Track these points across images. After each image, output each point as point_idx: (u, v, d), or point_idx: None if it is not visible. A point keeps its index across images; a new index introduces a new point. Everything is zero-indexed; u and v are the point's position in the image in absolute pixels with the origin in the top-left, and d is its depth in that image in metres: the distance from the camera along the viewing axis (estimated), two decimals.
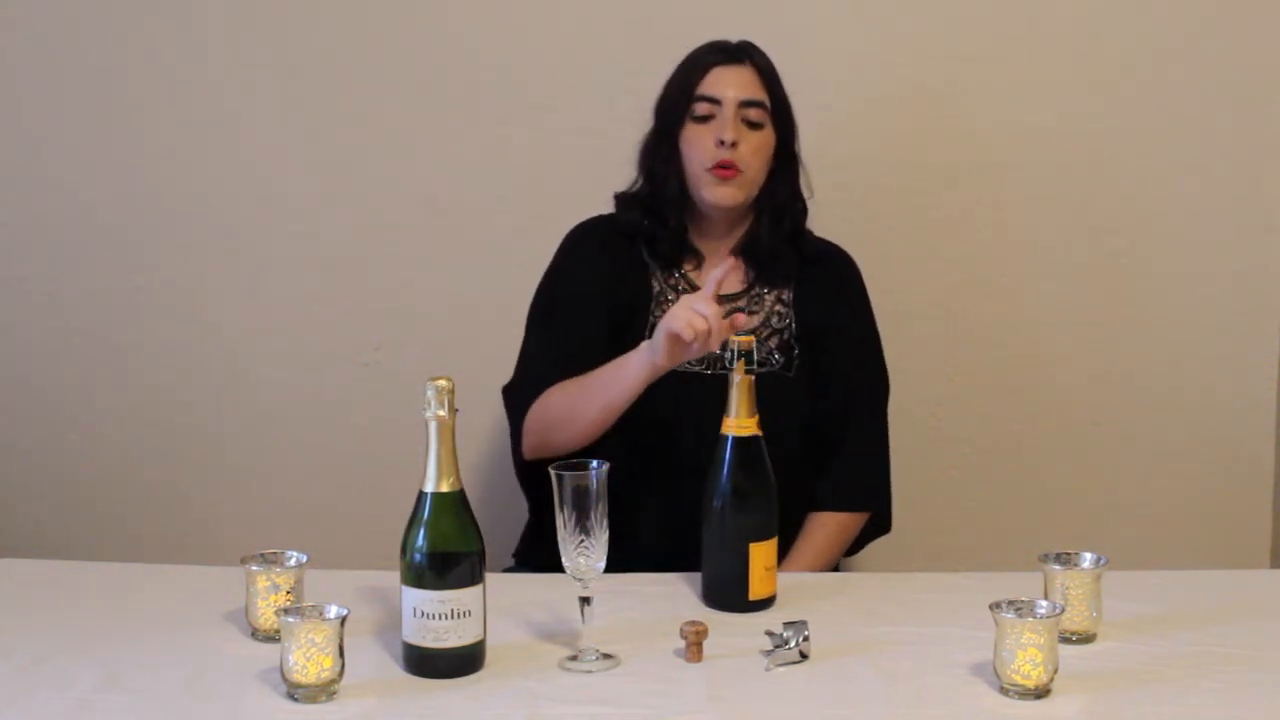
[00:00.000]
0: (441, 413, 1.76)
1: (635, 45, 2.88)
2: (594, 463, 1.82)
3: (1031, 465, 3.07)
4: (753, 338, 2.05)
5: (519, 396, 2.38)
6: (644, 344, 2.21)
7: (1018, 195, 3.00)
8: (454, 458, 1.78)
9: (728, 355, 2.03)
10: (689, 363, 2.30)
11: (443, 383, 1.76)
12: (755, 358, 2.05)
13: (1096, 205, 3.00)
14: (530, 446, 2.36)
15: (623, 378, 2.22)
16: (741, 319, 2.13)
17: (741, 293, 2.42)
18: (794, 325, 2.42)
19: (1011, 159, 2.98)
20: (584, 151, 2.93)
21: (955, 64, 2.96)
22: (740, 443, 2.02)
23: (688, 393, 2.33)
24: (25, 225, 3.06)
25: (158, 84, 3.01)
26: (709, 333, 2.08)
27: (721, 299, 2.36)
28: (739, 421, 2.02)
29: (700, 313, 2.09)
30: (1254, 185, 3.00)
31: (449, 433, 1.78)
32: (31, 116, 3.04)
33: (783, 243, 2.43)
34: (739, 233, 2.44)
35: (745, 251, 2.44)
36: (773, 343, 2.40)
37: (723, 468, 2.02)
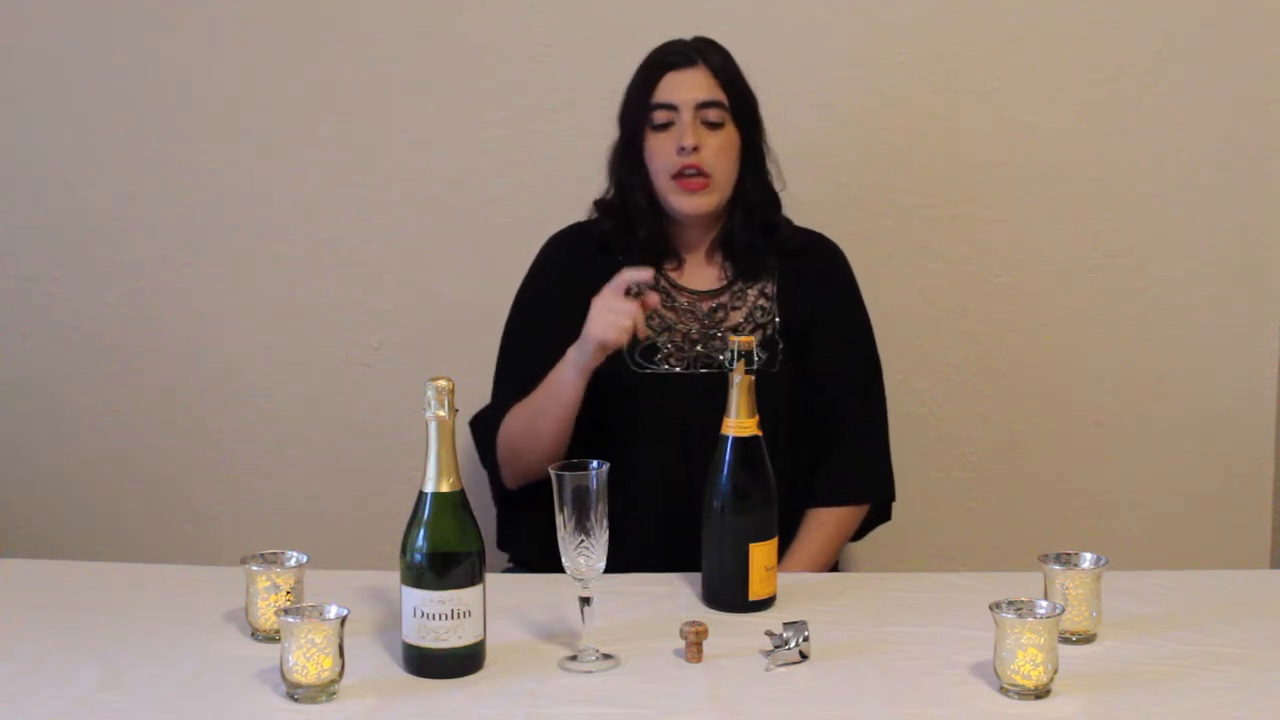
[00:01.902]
0: (441, 413, 1.77)
1: (635, 45, 2.86)
2: (594, 463, 1.82)
3: (1031, 465, 3.06)
4: (752, 338, 2.05)
5: (483, 429, 2.42)
6: (570, 351, 2.25)
7: (1017, 195, 2.99)
8: (454, 458, 1.78)
9: (728, 355, 2.02)
10: (666, 364, 2.36)
11: (443, 383, 1.77)
12: (755, 358, 2.05)
13: (1096, 205, 3.00)
14: (511, 474, 2.40)
15: (561, 390, 2.28)
16: (654, 299, 2.23)
17: (722, 289, 2.41)
18: (778, 320, 2.41)
19: (1011, 159, 2.98)
20: (584, 151, 2.92)
21: (955, 64, 2.96)
22: (740, 443, 2.02)
23: (668, 395, 2.34)
24: (25, 225, 3.06)
25: (158, 84, 3.01)
26: (633, 326, 2.19)
27: (702, 296, 2.36)
28: (739, 422, 2.02)
29: (618, 312, 2.18)
30: (1254, 185, 2.99)
31: (449, 433, 1.78)
32: (32, 116, 3.04)
33: (757, 235, 2.41)
34: (715, 231, 2.43)
35: (721, 248, 2.43)
36: (755, 338, 2.38)
37: (723, 468, 2.02)
